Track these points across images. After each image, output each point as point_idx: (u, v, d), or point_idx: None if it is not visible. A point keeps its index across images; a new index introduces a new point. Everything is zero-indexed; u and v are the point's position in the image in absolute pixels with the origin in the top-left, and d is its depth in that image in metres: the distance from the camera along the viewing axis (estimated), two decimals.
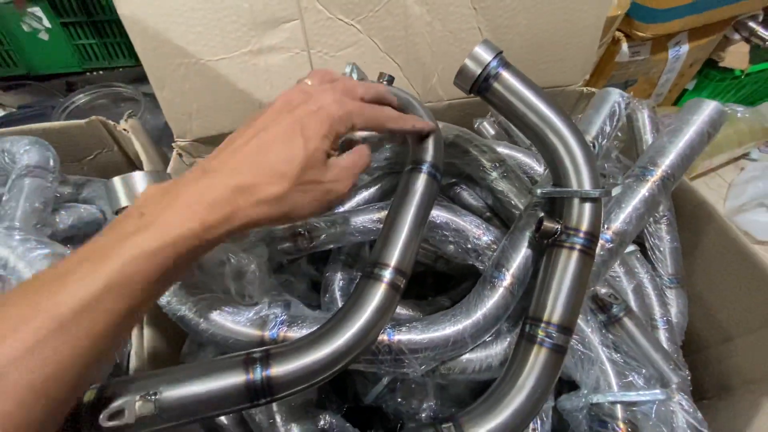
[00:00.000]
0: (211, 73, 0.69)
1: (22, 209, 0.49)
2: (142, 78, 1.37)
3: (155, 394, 0.30)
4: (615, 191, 0.41)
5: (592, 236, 0.40)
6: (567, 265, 0.39)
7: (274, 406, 0.46)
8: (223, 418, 0.55)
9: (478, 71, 0.44)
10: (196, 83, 0.68)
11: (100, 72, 1.33)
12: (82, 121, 0.76)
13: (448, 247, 0.53)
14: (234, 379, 0.32)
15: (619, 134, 0.77)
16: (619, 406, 0.42)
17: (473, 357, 0.44)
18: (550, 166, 0.43)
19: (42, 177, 0.55)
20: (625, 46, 1.03)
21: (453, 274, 0.73)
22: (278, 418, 0.45)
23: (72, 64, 1.26)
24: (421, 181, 0.44)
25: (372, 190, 0.64)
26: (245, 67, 0.71)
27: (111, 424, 0.29)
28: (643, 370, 0.45)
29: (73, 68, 1.27)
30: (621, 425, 0.41)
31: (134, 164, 0.86)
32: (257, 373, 0.32)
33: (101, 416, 0.28)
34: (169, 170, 0.71)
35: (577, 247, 0.40)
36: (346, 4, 0.72)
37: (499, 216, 0.58)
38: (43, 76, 1.28)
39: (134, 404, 0.29)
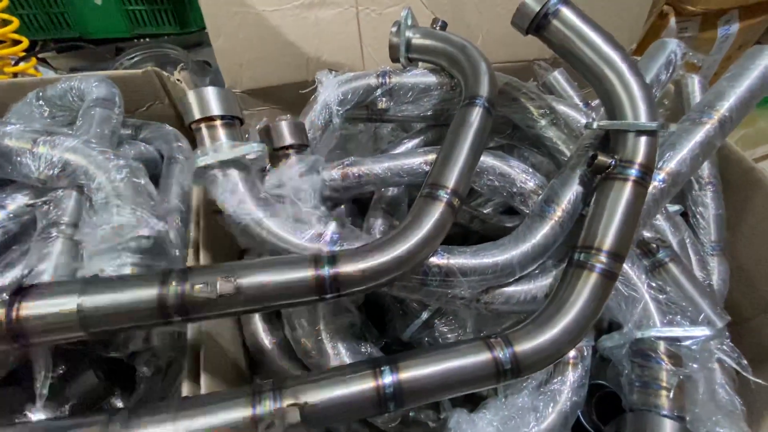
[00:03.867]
0: (264, 24, 0.71)
1: (93, 134, 0.53)
2: (186, 45, 1.41)
3: (234, 277, 0.33)
4: (672, 128, 0.41)
5: (647, 169, 0.40)
6: (620, 196, 0.40)
7: (321, 325, 0.48)
8: (266, 343, 0.58)
9: (537, 8, 0.44)
10: (249, 33, 0.71)
11: (147, 39, 1.38)
12: (138, 71, 0.79)
13: (492, 194, 0.54)
14: (304, 272, 0.34)
15: (665, 102, 0.76)
16: (662, 342, 0.43)
17: (518, 288, 0.46)
18: (606, 102, 0.44)
19: (110, 109, 0.59)
20: (673, 20, 1.01)
21: (488, 235, 0.74)
22: (325, 336, 0.48)
23: (122, 29, 1.31)
24: (476, 114, 0.45)
25: (416, 141, 0.65)
26: (296, 20, 0.73)
27: (199, 295, 0.31)
28: (688, 312, 0.45)
29: (123, 33, 1.32)
30: (665, 358, 0.41)
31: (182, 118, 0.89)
32: (325, 270, 0.34)
33: (188, 286, 0.31)
34: None
35: (631, 178, 0.40)
36: None
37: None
38: (93, 40, 1.34)
39: (216, 283, 0.32)
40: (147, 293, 0.31)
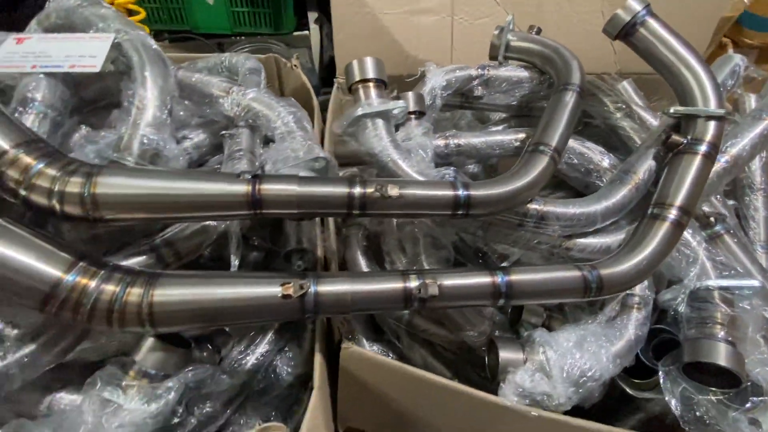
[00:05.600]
0: (377, 24, 0.86)
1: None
2: (269, 50, 1.60)
3: (399, 187, 0.45)
4: (736, 118, 0.52)
5: (714, 146, 0.51)
6: (690, 164, 0.50)
7: (423, 257, 0.59)
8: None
9: (628, 18, 0.56)
10: (365, 30, 0.86)
11: (242, 37, 1.58)
12: (263, 56, 0.96)
13: (570, 171, 0.65)
14: (447, 191, 0.46)
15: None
16: (716, 292, 0.52)
17: (594, 239, 0.56)
18: (680, 94, 0.54)
19: (259, 76, 0.74)
20: (730, 51, 1.10)
21: None
22: (425, 265, 0.59)
23: (225, 26, 1.51)
24: (570, 96, 0.57)
25: (500, 127, 0.77)
26: (402, 23, 0.88)
27: (374, 195, 0.44)
28: (741, 272, 0.54)
29: (226, 30, 1.52)
30: (719, 302, 0.50)
31: None
32: (461, 191, 0.46)
33: (368, 188, 0.43)
34: (331, 101, 0.88)
35: (701, 152, 0.50)
36: None
37: None
38: (200, 34, 1.55)
39: (387, 188, 0.44)
40: (340, 190, 0.44)
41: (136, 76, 0.52)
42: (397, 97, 0.62)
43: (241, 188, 0.42)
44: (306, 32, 1.59)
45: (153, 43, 0.56)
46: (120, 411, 0.41)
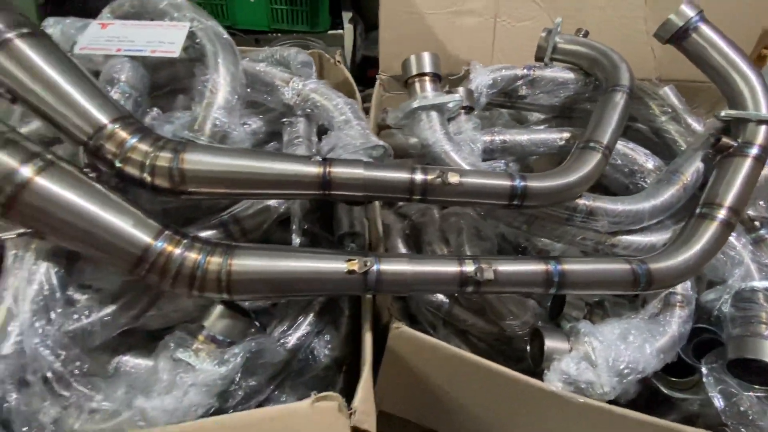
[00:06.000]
0: (423, 23, 0.89)
1: None
2: (307, 47, 1.64)
3: (460, 174, 0.47)
4: None
5: (765, 149, 0.52)
6: (740, 166, 0.51)
7: (467, 247, 0.62)
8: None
9: (681, 23, 0.58)
10: (411, 29, 0.89)
11: (278, 34, 1.63)
12: (308, 51, 0.99)
13: (613, 172, 0.67)
14: (505, 182, 0.48)
15: None
16: (761, 293, 0.52)
17: (639, 237, 0.57)
18: (730, 98, 0.56)
19: (310, 69, 0.77)
20: None
21: None
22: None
23: (263, 23, 1.55)
24: (620, 97, 0.59)
25: (541, 127, 0.79)
26: (446, 24, 0.90)
27: (435, 182, 0.46)
28: None
29: (264, 27, 1.56)
30: (765, 302, 0.51)
31: None
32: (518, 182, 0.48)
33: (429, 175, 0.46)
34: (374, 96, 0.91)
35: (751, 155, 0.52)
36: None
37: None
38: (239, 29, 1.59)
39: (447, 175, 0.46)
40: (403, 175, 0.46)
41: (209, 63, 0.55)
42: (449, 92, 0.64)
43: (313, 169, 0.45)
44: (340, 31, 1.63)
45: (224, 33, 0.60)
46: (192, 371, 0.44)
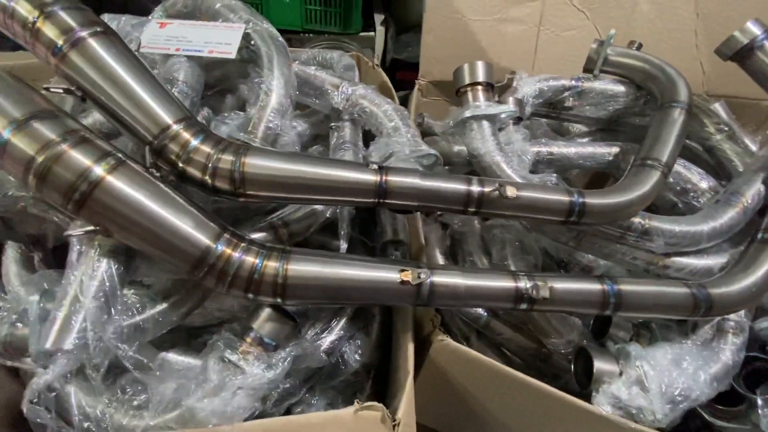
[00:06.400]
0: (466, 29, 0.88)
1: None
2: (341, 48, 1.64)
3: (517, 188, 0.46)
4: None
5: None
6: None
7: (510, 260, 0.60)
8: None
9: (746, 41, 0.56)
10: (454, 34, 0.88)
11: (310, 35, 1.63)
12: (348, 53, 0.99)
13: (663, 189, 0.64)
14: (563, 197, 0.47)
15: None
16: None
17: (695, 260, 0.55)
18: None
19: (353, 72, 0.77)
20: None
21: None
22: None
23: (297, 23, 1.56)
24: (678, 113, 0.57)
25: (585, 140, 0.77)
26: (490, 30, 0.89)
27: (492, 194, 0.45)
28: None
29: (296, 27, 1.57)
30: None
31: None
32: (576, 198, 0.47)
33: (485, 187, 0.45)
34: (413, 101, 0.90)
35: None
36: None
37: None
38: None
39: (506, 188, 0.46)
40: (459, 186, 0.46)
41: (263, 65, 0.56)
42: (499, 101, 0.63)
43: (370, 177, 0.44)
44: (371, 33, 1.62)
45: (278, 35, 0.60)
46: (241, 374, 0.44)
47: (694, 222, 0.53)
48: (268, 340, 0.48)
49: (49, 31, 0.40)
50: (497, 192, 0.45)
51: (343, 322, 0.68)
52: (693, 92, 0.93)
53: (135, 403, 0.46)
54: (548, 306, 0.45)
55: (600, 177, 0.90)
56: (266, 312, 0.48)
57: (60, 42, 0.40)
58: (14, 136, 0.35)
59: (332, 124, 0.62)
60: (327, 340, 0.67)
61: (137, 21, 0.64)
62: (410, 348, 0.53)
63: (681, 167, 0.64)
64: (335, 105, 0.61)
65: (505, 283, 0.45)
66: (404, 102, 0.92)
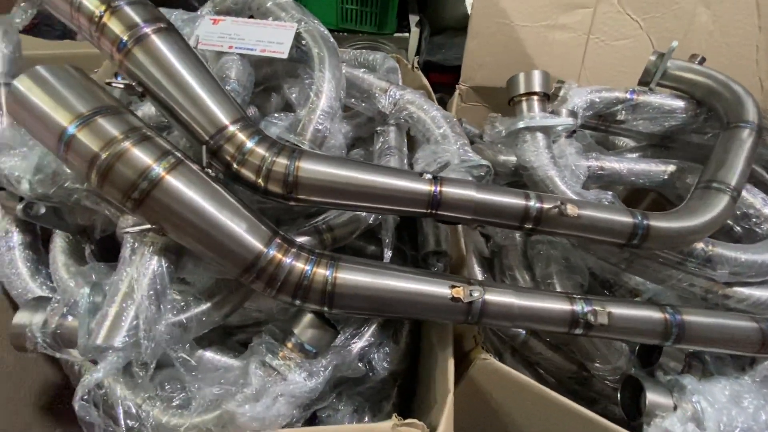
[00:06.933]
0: (513, 35, 0.85)
1: None
2: (378, 49, 1.63)
3: (578, 207, 0.44)
4: None
5: None
6: None
7: (556, 278, 0.58)
8: None
9: None
10: (499, 40, 0.85)
11: (345, 33, 1.63)
12: (392, 55, 0.98)
13: None
14: (625, 218, 0.44)
15: None
16: None
17: (759, 292, 0.52)
18: None
19: (396, 74, 0.76)
20: None
21: None
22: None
23: (332, 22, 1.55)
24: (747, 134, 0.53)
25: (635, 155, 0.74)
26: (537, 37, 0.86)
27: (552, 212, 0.43)
28: None
29: (331, 25, 1.56)
30: None
31: None
32: (640, 220, 0.44)
33: (545, 204, 0.43)
34: (454, 107, 0.88)
35: None
36: (639, 2, 0.83)
37: None
38: None
39: (567, 207, 0.43)
40: (517, 201, 0.44)
41: (314, 66, 0.55)
42: (553, 112, 0.61)
43: (425, 187, 0.43)
44: (405, 34, 1.61)
45: (329, 35, 0.59)
46: (283, 381, 0.44)
47: (761, 251, 0.50)
48: (309, 346, 0.47)
49: (115, 26, 0.40)
50: (557, 209, 0.43)
51: (373, 328, 0.67)
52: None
53: (175, 402, 0.46)
54: (605, 333, 0.42)
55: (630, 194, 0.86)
56: (308, 318, 0.47)
57: (125, 37, 0.40)
58: (80, 132, 0.35)
59: (378, 128, 0.61)
60: (357, 346, 0.66)
61: (188, 16, 0.64)
62: (450, 364, 0.51)
63: (744, 190, 0.60)
64: (382, 109, 0.60)
65: (561, 306, 0.43)
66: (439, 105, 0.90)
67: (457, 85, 0.92)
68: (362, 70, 0.64)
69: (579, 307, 0.42)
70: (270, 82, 0.65)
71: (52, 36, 1.29)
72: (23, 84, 0.36)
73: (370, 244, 0.70)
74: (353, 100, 0.63)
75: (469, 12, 0.88)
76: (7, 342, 0.57)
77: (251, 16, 0.68)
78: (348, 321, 0.65)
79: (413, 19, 1.65)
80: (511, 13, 0.83)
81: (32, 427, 0.58)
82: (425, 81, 0.93)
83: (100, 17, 0.39)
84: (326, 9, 1.59)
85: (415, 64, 0.97)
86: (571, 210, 0.43)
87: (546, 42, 0.87)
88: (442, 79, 1.25)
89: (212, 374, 0.49)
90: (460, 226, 0.64)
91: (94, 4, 0.40)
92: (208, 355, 0.53)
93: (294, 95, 0.58)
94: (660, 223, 0.45)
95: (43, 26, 1.30)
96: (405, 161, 0.60)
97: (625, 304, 0.43)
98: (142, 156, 0.36)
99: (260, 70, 0.63)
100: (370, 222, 0.55)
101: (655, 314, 0.43)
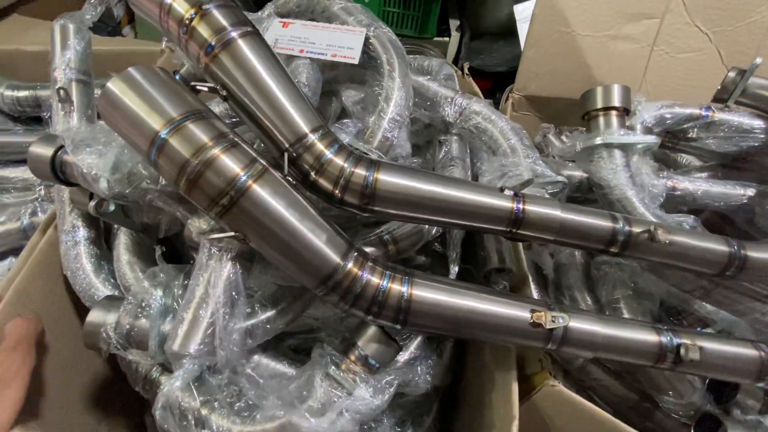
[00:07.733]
0: (573, 45, 0.82)
1: None
2: (422, 53, 1.62)
3: (664, 232, 0.41)
4: None
5: None
6: None
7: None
8: None
9: None
10: (559, 49, 0.83)
11: None
12: (440, 59, 0.96)
13: None
14: (722, 247, 0.41)
15: None
16: None
17: None
18: None
19: (454, 84, 0.74)
20: None
21: None
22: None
23: None
24: None
25: (704, 174, 0.70)
26: (600, 47, 0.83)
27: (641, 237, 0.40)
28: None
29: None
30: None
31: None
32: (735, 249, 0.41)
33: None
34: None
35: None
36: (710, 14, 0.79)
37: None
38: None
39: (657, 232, 0.41)
40: (605, 224, 0.41)
41: (383, 72, 0.54)
42: (629, 128, 0.58)
43: (506, 204, 0.41)
44: (445, 38, 1.59)
45: (398, 41, 0.58)
46: (348, 395, 0.42)
47: None
48: (373, 361, 0.46)
49: (204, 30, 0.39)
50: (647, 234, 0.41)
51: (418, 341, 0.65)
52: None
53: (237, 407, 0.45)
54: (694, 369, 0.40)
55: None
56: (373, 331, 0.46)
57: (213, 41, 0.39)
58: (172, 137, 0.34)
59: (440, 137, 0.60)
60: (401, 359, 0.65)
61: (255, 17, 0.64)
62: (514, 389, 0.49)
63: None
64: (446, 117, 0.58)
65: (647, 337, 0.40)
66: None
67: (510, 94, 0.89)
68: (427, 77, 0.63)
69: (666, 338, 0.40)
70: (330, 87, 0.65)
71: (102, 34, 1.32)
72: (116, 86, 0.35)
73: (419, 254, 0.69)
74: (416, 107, 0.62)
75: (516, 18, 0.86)
76: (65, 335, 0.58)
77: (311, 19, 0.67)
78: (392, 331, 0.64)
79: (453, 23, 1.63)
80: (573, 21, 0.80)
81: (78, 421, 0.59)
82: (477, 89, 0.91)
83: (191, 20, 0.39)
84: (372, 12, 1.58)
85: (466, 71, 0.95)
86: (663, 236, 0.41)
87: (607, 52, 0.84)
88: (480, 86, 1.23)
89: (271, 382, 0.49)
90: (520, 245, 0.62)
91: (185, 7, 0.39)
92: (265, 361, 0.53)
93: (351, 101, 0.57)
94: (759, 254, 0.41)
95: (95, 23, 1.34)
96: (468, 172, 0.58)
97: (716, 340, 0.40)
98: (230, 164, 0.35)
99: (324, 75, 0.62)
100: (434, 233, 0.54)
101: (750, 352, 0.40)
